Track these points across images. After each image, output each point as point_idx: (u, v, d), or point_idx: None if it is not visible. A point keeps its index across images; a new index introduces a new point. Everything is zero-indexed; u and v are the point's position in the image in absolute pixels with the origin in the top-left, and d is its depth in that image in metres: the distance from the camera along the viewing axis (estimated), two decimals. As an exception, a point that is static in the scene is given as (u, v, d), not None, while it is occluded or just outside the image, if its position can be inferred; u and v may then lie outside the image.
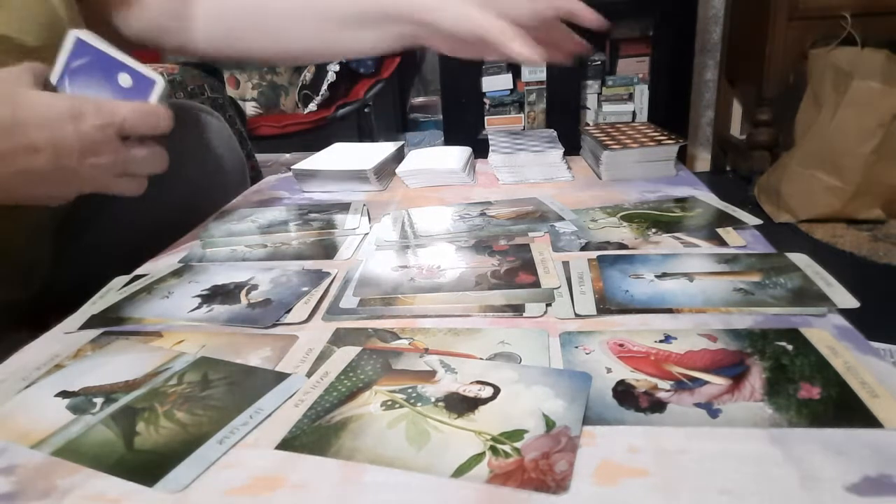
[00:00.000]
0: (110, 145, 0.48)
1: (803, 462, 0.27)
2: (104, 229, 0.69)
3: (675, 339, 0.38)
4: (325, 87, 2.53)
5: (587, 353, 0.37)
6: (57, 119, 0.45)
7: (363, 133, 2.49)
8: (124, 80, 0.51)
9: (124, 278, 0.53)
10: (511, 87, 2.50)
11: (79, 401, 0.35)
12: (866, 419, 0.30)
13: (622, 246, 0.53)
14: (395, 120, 2.89)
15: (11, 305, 0.61)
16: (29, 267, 0.65)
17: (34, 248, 0.65)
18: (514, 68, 2.49)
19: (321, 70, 2.55)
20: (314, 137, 2.27)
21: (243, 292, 0.49)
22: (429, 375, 0.35)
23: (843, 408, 0.31)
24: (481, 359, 0.37)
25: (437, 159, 0.82)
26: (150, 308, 0.47)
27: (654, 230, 0.56)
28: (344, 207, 0.69)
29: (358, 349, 0.39)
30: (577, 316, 0.42)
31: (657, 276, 0.46)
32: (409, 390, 0.34)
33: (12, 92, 0.45)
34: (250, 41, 0.67)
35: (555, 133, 0.89)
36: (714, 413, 0.31)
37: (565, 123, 2.37)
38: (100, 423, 0.33)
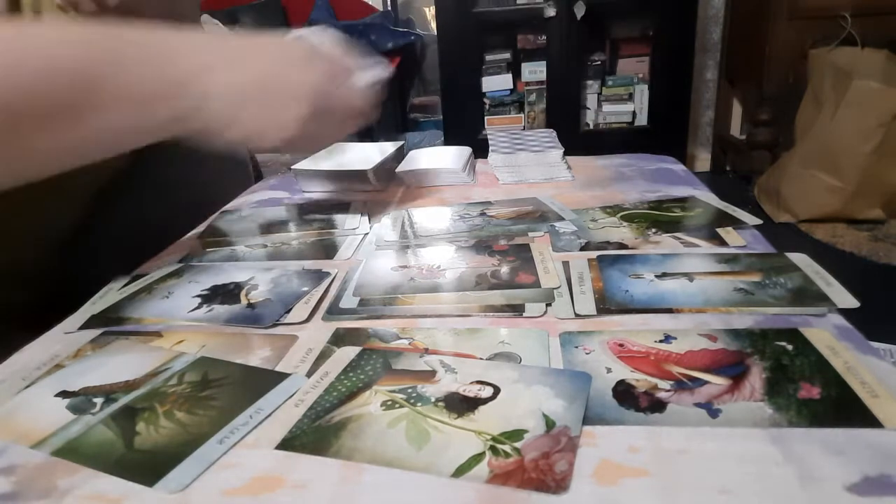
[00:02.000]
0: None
1: (803, 462, 0.27)
2: (104, 229, 0.69)
3: (675, 339, 0.38)
4: (325, 87, 2.52)
5: (587, 353, 0.37)
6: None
7: (363, 133, 2.49)
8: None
9: (124, 278, 0.53)
10: (511, 87, 2.51)
11: (79, 401, 0.35)
12: (866, 419, 0.30)
13: (622, 246, 0.53)
14: (395, 120, 2.89)
15: (14, 306, 0.61)
16: (33, 270, 0.65)
17: (39, 250, 0.65)
18: (514, 68, 2.49)
19: (321, 70, 2.54)
20: (314, 137, 2.26)
21: (243, 292, 0.49)
22: (429, 375, 0.35)
23: (843, 408, 0.31)
24: (481, 359, 0.37)
25: (437, 159, 0.82)
26: (150, 308, 0.47)
27: (654, 230, 0.56)
28: (344, 207, 0.69)
29: (358, 349, 0.39)
30: (577, 316, 0.42)
31: (657, 276, 0.46)
32: (409, 390, 0.34)
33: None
34: None
35: (555, 133, 0.89)
36: (714, 413, 0.31)
37: (565, 123, 2.37)
38: (100, 423, 0.33)
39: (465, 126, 2.47)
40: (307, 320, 0.44)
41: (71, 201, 0.51)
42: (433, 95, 2.92)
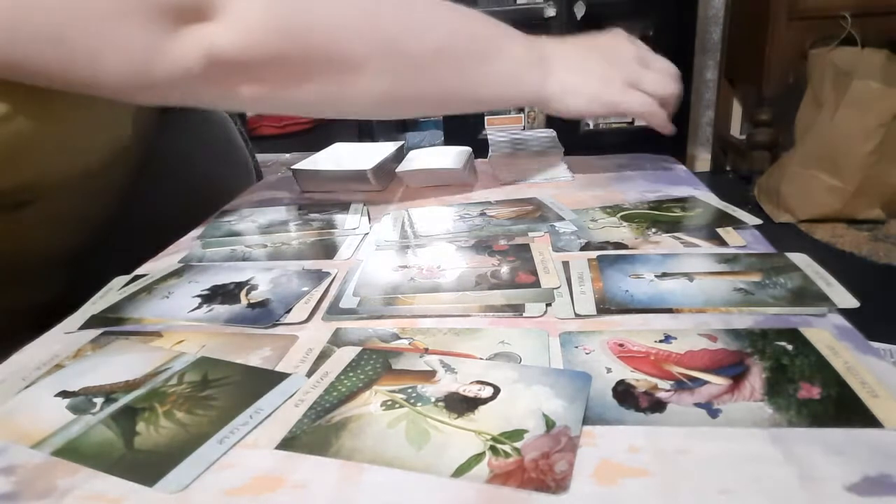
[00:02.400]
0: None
1: (803, 462, 0.27)
2: (104, 229, 0.69)
3: (675, 338, 0.38)
4: (325, 87, 2.52)
5: (587, 353, 0.37)
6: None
7: (363, 133, 2.49)
8: None
9: (124, 278, 0.53)
10: (511, 87, 2.50)
11: (79, 401, 0.35)
12: (866, 419, 0.30)
13: (622, 246, 0.53)
14: (395, 120, 2.89)
15: (16, 308, 0.61)
16: (38, 276, 0.65)
17: (47, 258, 0.65)
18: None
19: (321, 70, 2.55)
20: (314, 137, 2.27)
21: (243, 292, 0.49)
22: (429, 375, 0.35)
23: (843, 408, 0.31)
24: (481, 359, 0.37)
25: (437, 159, 0.82)
26: (150, 308, 0.47)
27: (654, 230, 0.56)
28: (344, 207, 0.69)
29: (358, 349, 0.39)
30: (577, 316, 0.42)
31: (657, 276, 0.46)
32: (409, 390, 0.34)
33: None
34: None
35: (555, 133, 0.89)
36: (714, 413, 0.31)
37: (565, 123, 2.37)
38: (100, 423, 0.33)
39: (465, 126, 2.46)
40: (307, 320, 0.44)
41: (82, 221, 0.52)
42: (433, 95, 2.92)
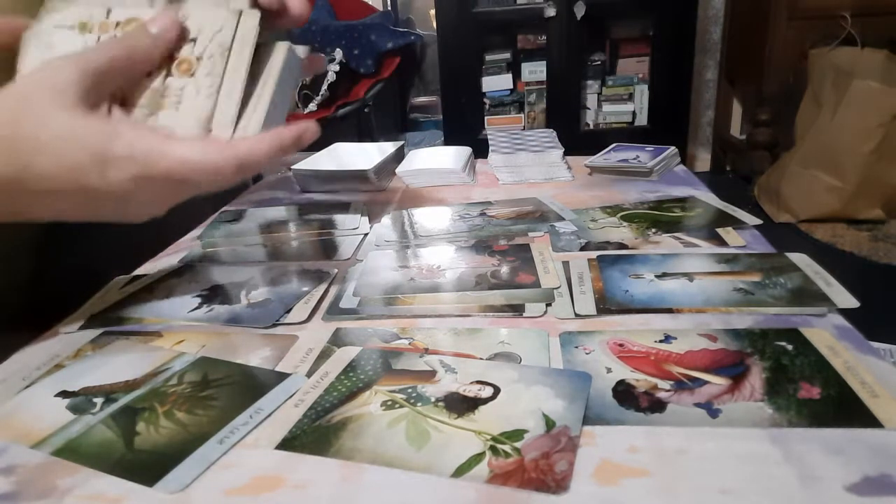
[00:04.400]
0: (152, 196, 0.38)
1: (803, 462, 0.27)
2: (104, 229, 0.69)
3: (675, 339, 0.38)
4: (325, 87, 2.53)
5: (587, 353, 0.37)
6: (80, 162, 0.35)
7: (363, 133, 2.49)
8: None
9: (124, 278, 0.53)
10: (511, 87, 2.51)
11: (79, 401, 0.35)
12: (866, 419, 0.30)
13: (622, 246, 0.53)
14: (395, 120, 2.89)
15: (11, 307, 0.61)
16: (28, 271, 0.65)
17: (33, 252, 0.65)
18: (514, 68, 2.50)
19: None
20: (314, 137, 2.27)
21: (243, 292, 0.49)
22: (429, 375, 0.35)
23: (843, 408, 0.31)
24: (481, 359, 0.37)
25: (437, 159, 0.82)
26: (150, 308, 0.47)
27: (654, 230, 0.56)
28: (344, 207, 0.69)
29: (358, 349, 0.39)
30: (577, 316, 0.42)
31: (657, 276, 0.46)
32: (409, 390, 0.34)
33: (34, 115, 0.35)
34: None
35: (555, 133, 0.89)
36: (714, 413, 0.31)
37: (565, 123, 2.37)
38: (100, 423, 0.33)
39: (465, 126, 2.47)
40: (307, 320, 0.44)
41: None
42: (433, 95, 2.92)
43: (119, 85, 0.39)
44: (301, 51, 0.43)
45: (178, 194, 0.40)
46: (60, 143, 0.35)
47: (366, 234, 0.61)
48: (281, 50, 0.42)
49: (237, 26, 0.40)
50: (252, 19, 0.40)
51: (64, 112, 0.35)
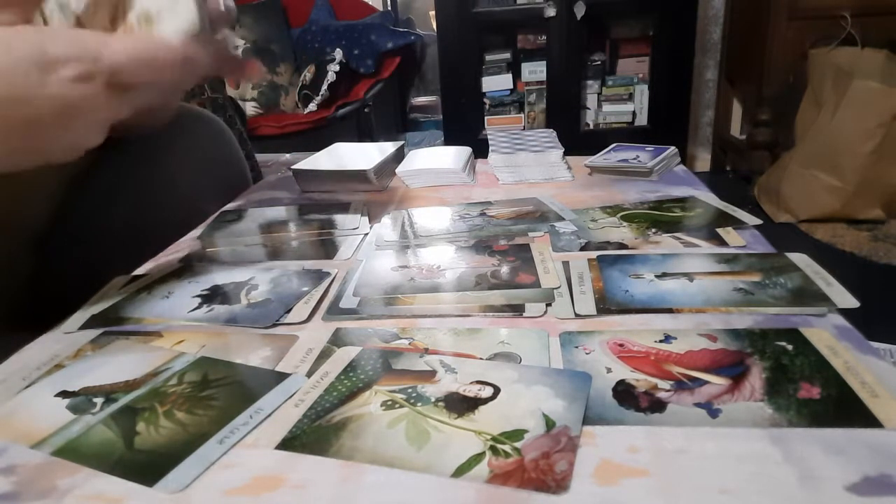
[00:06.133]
0: (95, 101, 0.35)
1: (803, 462, 0.27)
2: (104, 229, 0.69)
3: (675, 339, 0.38)
4: (325, 87, 2.53)
5: (587, 353, 0.37)
6: (14, 68, 0.33)
7: (363, 133, 2.49)
8: None
9: (124, 278, 0.53)
10: (511, 87, 2.51)
11: (79, 401, 0.35)
12: (866, 419, 0.30)
13: (622, 246, 0.53)
14: (395, 120, 2.89)
15: (11, 307, 0.61)
16: (28, 271, 0.65)
17: (31, 252, 0.65)
18: (514, 68, 2.50)
19: (321, 70, 2.55)
20: (314, 137, 2.27)
21: (243, 292, 0.49)
22: (429, 375, 0.35)
23: (843, 408, 0.31)
24: (481, 359, 0.37)
25: (437, 159, 0.82)
26: (150, 308, 0.47)
27: (654, 230, 0.56)
28: (344, 207, 0.69)
29: (358, 349, 0.39)
30: (577, 316, 0.42)
31: (657, 276, 0.46)
32: (409, 390, 0.34)
33: None
34: None
35: (555, 133, 0.89)
36: (714, 413, 0.31)
37: (565, 123, 2.37)
38: (100, 423, 0.33)
39: (465, 126, 2.47)
40: (307, 320, 0.44)
41: (44, 196, 0.49)
42: (433, 95, 2.92)
43: None
44: None
45: (123, 102, 0.37)
46: None
47: (366, 234, 0.61)
48: None
49: None
50: None
51: None
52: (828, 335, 0.37)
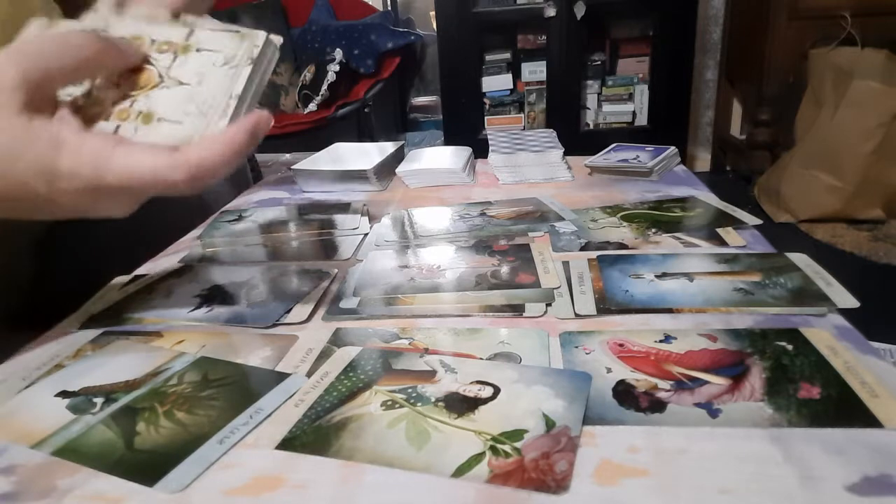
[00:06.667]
0: (102, 205, 0.36)
1: (803, 462, 0.27)
2: (104, 229, 0.69)
3: (675, 338, 0.38)
4: (325, 87, 2.53)
5: (587, 353, 0.37)
6: (19, 180, 0.33)
7: (363, 133, 2.49)
8: None
9: (124, 278, 0.53)
10: (511, 87, 2.51)
11: (79, 401, 0.35)
12: (866, 419, 0.30)
13: (622, 246, 0.53)
14: (395, 120, 2.89)
15: (12, 307, 0.61)
16: (28, 271, 0.65)
17: (32, 252, 0.65)
18: (515, 68, 2.50)
19: (321, 70, 2.55)
20: (314, 137, 2.27)
21: (243, 292, 0.49)
22: (429, 375, 0.35)
23: (843, 408, 0.31)
24: (481, 359, 0.37)
25: (437, 159, 0.82)
26: (150, 308, 0.47)
27: (654, 230, 0.56)
28: (344, 207, 0.69)
29: (358, 349, 0.39)
30: (577, 316, 0.42)
31: (657, 276, 0.46)
32: (409, 390, 0.34)
33: None
34: None
35: (555, 133, 0.89)
36: (714, 413, 0.31)
37: (565, 123, 2.37)
38: (100, 423, 0.33)
39: (465, 126, 2.47)
40: (307, 320, 0.44)
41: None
42: (433, 95, 2.92)
43: (64, 85, 0.36)
44: (277, 40, 0.39)
45: (133, 202, 0.38)
46: (2, 163, 0.33)
47: (366, 234, 0.61)
48: (257, 40, 0.38)
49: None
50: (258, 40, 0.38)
51: (4, 121, 0.33)
52: (828, 335, 0.37)
